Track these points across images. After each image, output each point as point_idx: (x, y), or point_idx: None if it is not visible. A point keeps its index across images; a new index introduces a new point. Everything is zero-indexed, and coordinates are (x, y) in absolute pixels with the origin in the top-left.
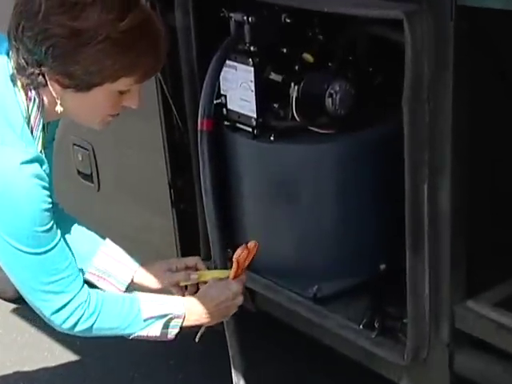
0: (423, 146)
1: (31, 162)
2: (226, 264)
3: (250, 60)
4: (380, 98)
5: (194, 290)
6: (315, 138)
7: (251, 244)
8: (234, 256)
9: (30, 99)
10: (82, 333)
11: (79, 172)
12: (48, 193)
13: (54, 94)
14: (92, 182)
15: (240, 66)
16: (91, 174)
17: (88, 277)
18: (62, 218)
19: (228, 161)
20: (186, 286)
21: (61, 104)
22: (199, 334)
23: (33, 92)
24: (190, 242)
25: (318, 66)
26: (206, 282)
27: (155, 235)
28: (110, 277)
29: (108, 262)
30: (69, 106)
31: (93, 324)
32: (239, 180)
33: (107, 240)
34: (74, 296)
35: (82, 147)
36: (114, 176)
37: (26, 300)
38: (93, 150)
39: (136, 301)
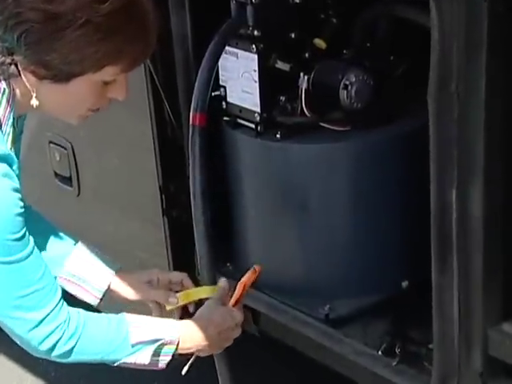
0: (451, 143)
1: (1, 159)
2: (214, 280)
3: (254, 46)
4: (402, 89)
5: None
6: (327, 135)
7: (258, 267)
8: (243, 279)
9: None
10: (60, 357)
11: (56, 174)
12: (19, 195)
13: (29, 86)
14: (71, 185)
15: (242, 53)
16: (70, 176)
17: (60, 282)
18: (28, 216)
19: (227, 162)
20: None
21: (36, 97)
22: (187, 366)
23: (3, 83)
24: (183, 256)
25: (332, 53)
26: (192, 302)
27: (144, 247)
28: (84, 283)
29: (82, 266)
30: (45, 99)
31: (73, 347)
32: (240, 184)
33: (80, 243)
34: (51, 312)
35: (59, 145)
36: (97, 179)
37: None
38: (72, 148)
39: (124, 323)
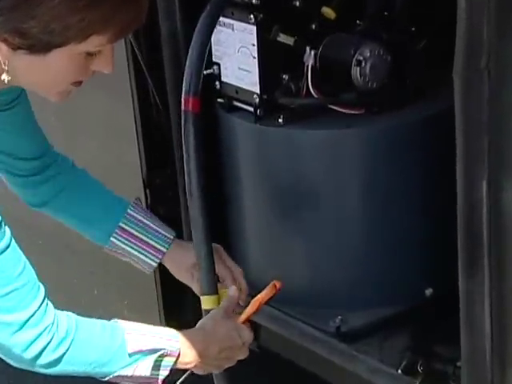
0: (481, 129)
1: None
2: (215, 288)
3: (252, 16)
4: (424, 66)
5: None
6: (337, 120)
7: (278, 283)
8: (259, 296)
9: None
10: (46, 367)
11: None
12: None
13: (0, 57)
14: None
15: (238, 25)
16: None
17: (115, 238)
18: (69, 177)
19: (221, 151)
20: None
21: (8, 71)
22: (180, 382)
23: None
24: None
25: (342, 24)
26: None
27: None
28: (132, 257)
29: (129, 239)
30: (19, 73)
31: (63, 354)
32: (236, 176)
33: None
34: (35, 312)
35: None
36: None
37: None
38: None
39: (119, 329)
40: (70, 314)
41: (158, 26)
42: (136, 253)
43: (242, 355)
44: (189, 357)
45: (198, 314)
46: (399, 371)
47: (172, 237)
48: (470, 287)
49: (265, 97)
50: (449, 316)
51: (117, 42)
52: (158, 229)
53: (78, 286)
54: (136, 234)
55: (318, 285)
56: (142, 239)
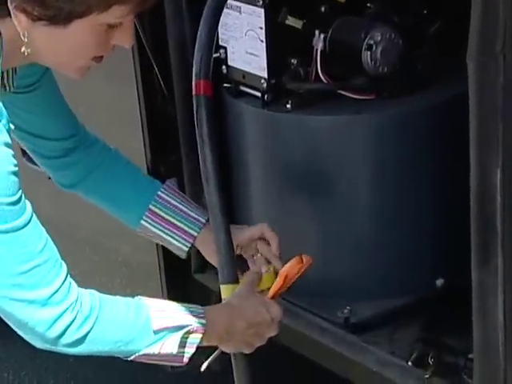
0: (496, 115)
1: None
2: (236, 276)
3: None
4: (438, 50)
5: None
6: (347, 105)
7: (307, 258)
8: (284, 268)
9: None
10: (69, 346)
11: (24, 152)
12: (12, 152)
13: (19, 29)
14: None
15: (246, 7)
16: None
17: (145, 221)
18: (98, 157)
19: (228, 137)
20: None
21: (27, 43)
22: (208, 361)
23: None
24: None
25: (352, 6)
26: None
27: (128, 240)
28: (164, 241)
29: (159, 223)
30: (39, 46)
31: (88, 333)
32: (243, 163)
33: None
34: (58, 289)
35: None
36: None
37: None
38: None
39: (143, 306)
40: (93, 291)
41: (162, 9)
42: (167, 236)
43: (272, 332)
44: (215, 333)
45: (203, 301)
46: (409, 363)
47: (204, 220)
48: (483, 277)
49: (273, 81)
50: (460, 307)
51: (138, 13)
52: (190, 212)
53: (81, 276)
54: (167, 217)
55: (326, 274)
56: (172, 223)
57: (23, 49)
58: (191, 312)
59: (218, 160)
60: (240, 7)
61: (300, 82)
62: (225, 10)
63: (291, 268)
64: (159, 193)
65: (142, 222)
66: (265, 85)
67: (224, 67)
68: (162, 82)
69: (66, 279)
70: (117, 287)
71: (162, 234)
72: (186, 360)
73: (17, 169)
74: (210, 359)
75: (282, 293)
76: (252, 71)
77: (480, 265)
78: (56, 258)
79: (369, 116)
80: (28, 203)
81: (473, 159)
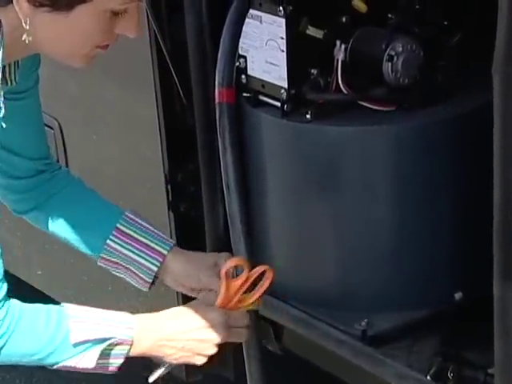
0: None
1: None
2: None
3: (281, 8)
4: (460, 62)
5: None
6: (367, 116)
7: (260, 269)
8: (222, 269)
9: None
10: None
11: None
12: None
13: (21, 16)
14: None
15: (267, 17)
16: (57, 161)
17: (102, 264)
18: (63, 183)
19: (247, 146)
20: None
21: (29, 31)
22: (156, 375)
23: None
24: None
25: (374, 17)
26: None
27: None
28: (131, 264)
29: (128, 242)
30: (41, 34)
31: (2, 347)
32: (261, 173)
33: (127, 214)
34: None
35: (44, 124)
36: (89, 164)
37: None
38: (60, 128)
39: (65, 317)
40: (15, 302)
41: (182, 16)
42: (135, 256)
43: (219, 336)
44: (147, 341)
45: None
46: (428, 377)
47: (173, 242)
48: (505, 291)
49: (293, 91)
50: (479, 321)
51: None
52: (158, 232)
53: (92, 283)
54: (135, 235)
55: (344, 286)
56: (141, 241)
57: (24, 36)
58: (119, 323)
59: (239, 169)
60: (261, 17)
61: (320, 93)
62: (245, 20)
63: (227, 269)
64: (126, 213)
65: (109, 241)
66: (284, 95)
67: (243, 76)
68: (180, 90)
69: (2, 299)
70: (131, 294)
71: (129, 253)
72: (112, 369)
73: None
74: (157, 372)
75: (233, 304)
76: (272, 81)
77: (502, 279)
78: (1, 275)
79: (389, 127)
80: None
81: (496, 171)
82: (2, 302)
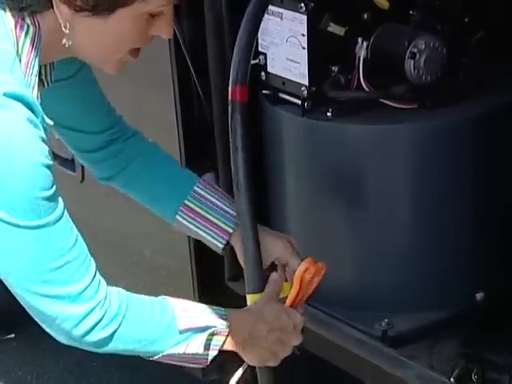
0: None
1: (21, 100)
2: (261, 286)
3: (302, 5)
4: (482, 59)
5: None
6: (389, 114)
7: (320, 264)
8: (297, 272)
9: (22, 27)
10: (95, 345)
11: (56, 156)
12: (47, 148)
13: (61, 21)
14: (74, 169)
15: (287, 14)
16: (72, 158)
17: (180, 216)
18: (135, 146)
19: (266, 144)
20: None
21: (69, 35)
22: (236, 378)
23: (27, 19)
24: (209, 256)
25: (396, 14)
26: None
27: (161, 245)
28: (199, 237)
29: (194, 218)
30: (79, 38)
31: (115, 331)
32: (281, 171)
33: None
34: (88, 286)
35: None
36: None
37: (22, 302)
38: None
39: (168, 306)
40: (120, 289)
41: (202, 13)
42: (202, 233)
43: (295, 339)
44: (238, 336)
45: None
46: (451, 380)
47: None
48: None
49: (313, 89)
50: (501, 321)
51: (177, 1)
52: (226, 208)
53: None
54: (202, 212)
55: (364, 286)
56: (207, 218)
57: (64, 41)
58: (215, 313)
59: (250, 168)
60: (282, 13)
61: (341, 90)
62: (265, 16)
63: (305, 271)
64: (195, 188)
65: (177, 217)
66: (305, 92)
67: (263, 74)
68: (199, 88)
69: (95, 276)
70: (141, 289)
71: (196, 229)
72: (207, 362)
73: (51, 163)
74: (237, 375)
75: (302, 300)
76: (292, 78)
77: None
78: (86, 254)
79: (411, 126)
80: (61, 200)
81: None
82: (96, 280)
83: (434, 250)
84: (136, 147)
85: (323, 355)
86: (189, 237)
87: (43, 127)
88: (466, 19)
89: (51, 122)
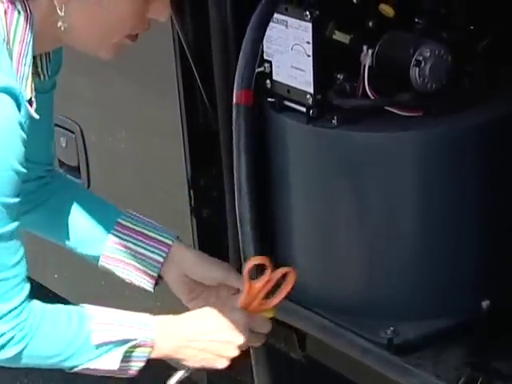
0: None
1: (7, 92)
2: None
3: (307, 13)
4: (487, 67)
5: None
6: (395, 122)
7: (283, 270)
8: (245, 268)
9: (13, 14)
10: (7, 361)
11: (62, 163)
12: (23, 150)
13: (56, 2)
14: (79, 176)
15: (293, 22)
16: (78, 165)
17: (104, 263)
18: (60, 185)
19: (271, 152)
20: None
21: (63, 17)
22: (174, 379)
23: (17, 4)
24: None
25: (401, 22)
26: None
27: None
28: (134, 258)
29: (130, 235)
30: (74, 20)
31: (22, 350)
32: (286, 179)
33: (126, 213)
34: (15, 308)
35: (65, 129)
36: (110, 169)
37: None
38: (81, 132)
39: (86, 319)
40: (36, 303)
41: (207, 18)
42: (139, 248)
43: (240, 343)
44: (168, 344)
45: None
46: None
47: (177, 235)
48: None
49: (318, 97)
50: (508, 330)
51: None
52: (159, 226)
53: (109, 287)
54: (138, 228)
55: (369, 293)
56: (144, 233)
57: (59, 23)
58: (139, 324)
59: (252, 172)
60: (286, 21)
61: (346, 98)
62: (270, 24)
63: (249, 269)
64: (129, 210)
65: (111, 236)
66: (310, 100)
67: (268, 81)
68: (204, 94)
69: (25, 299)
70: (148, 298)
71: (134, 246)
72: (132, 372)
73: (24, 171)
74: (176, 377)
75: (256, 306)
76: (297, 86)
77: None
78: (24, 276)
79: (417, 133)
80: (18, 215)
81: None
82: (25, 304)
83: (439, 259)
84: (59, 182)
85: (328, 363)
86: (192, 237)
87: (25, 121)
88: (472, 27)
89: (37, 117)
